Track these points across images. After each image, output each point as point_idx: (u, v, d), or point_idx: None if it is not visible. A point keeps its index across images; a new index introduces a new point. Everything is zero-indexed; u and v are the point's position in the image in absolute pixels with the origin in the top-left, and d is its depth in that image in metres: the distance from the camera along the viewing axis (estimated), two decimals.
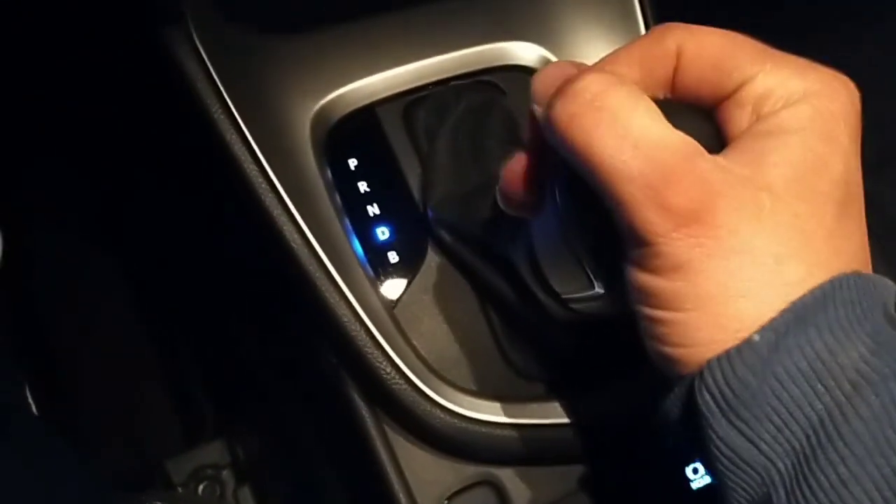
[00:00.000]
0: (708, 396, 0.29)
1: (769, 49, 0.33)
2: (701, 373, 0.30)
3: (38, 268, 0.67)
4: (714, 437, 0.29)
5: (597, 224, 0.32)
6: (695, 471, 0.46)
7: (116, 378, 0.71)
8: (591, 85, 0.31)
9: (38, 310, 0.67)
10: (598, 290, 0.35)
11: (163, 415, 0.71)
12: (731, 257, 0.29)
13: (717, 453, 0.29)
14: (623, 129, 0.30)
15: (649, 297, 0.31)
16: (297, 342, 0.52)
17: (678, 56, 0.33)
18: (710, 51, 0.32)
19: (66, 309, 0.69)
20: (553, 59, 0.50)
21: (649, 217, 0.29)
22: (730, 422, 0.29)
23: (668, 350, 0.31)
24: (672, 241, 0.29)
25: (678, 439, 0.33)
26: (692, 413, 0.30)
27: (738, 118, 0.32)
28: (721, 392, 0.29)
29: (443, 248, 0.46)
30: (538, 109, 0.33)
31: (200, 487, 0.64)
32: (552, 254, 0.37)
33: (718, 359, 0.29)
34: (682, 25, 0.34)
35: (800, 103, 0.31)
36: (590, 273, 0.35)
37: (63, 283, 0.70)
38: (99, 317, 0.72)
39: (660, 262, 0.30)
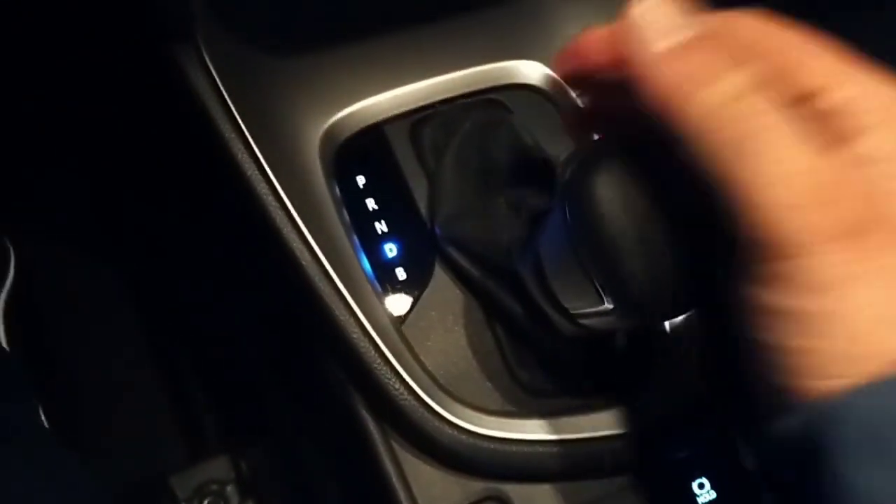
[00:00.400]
0: (845, 432, 0.26)
1: (848, 56, 0.30)
2: (835, 406, 0.27)
3: (38, 280, 0.67)
4: (847, 475, 0.26)
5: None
6: (700, 486, 0.46)
7: (119, 394, 0.71)
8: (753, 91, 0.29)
9: (40, 326, 0.67)
10: (608, 305, 0.35)
11: (166, 430, 0.71)
12: (884, 277, 0.27)
13: (849, 493, 0.26)
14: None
15: (780, 324, 0.28)
16: (303, 357, 0.52)
17: (749, 49, 0.30)
18: (785, 51, 0.30)
19: (67, 325, 0.70)
20: (558, 77, 0.51)
21: (808, 220, 0.26)
22: (871, 459, 0.26)
23: (794, 383, 0.28)
24: (825, 254, 0.26)
25: (778, 475, 0.31)
26: (808, 449, 0.27)
27: (812, 131, 0.29)
28: (864, 427, 0.26)
29: (450, 265, 0.46)
30: (650, 48, 0.30)
31: (205, 503, 0.64)
32: (560, 269, 0.38)
33: (860, 391, 0.26)
34: (756, 16, 0.31)
35: (886, 126, 0.28)
36: (599, 288, 0.35)
37: (63, 296, 0.70)
38: (101, 333, 0.72)
39: (801, 279, 0.27)
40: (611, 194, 0.33)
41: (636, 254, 0.33)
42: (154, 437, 0.70)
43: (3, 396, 0.43)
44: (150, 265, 0.71)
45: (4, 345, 0.50)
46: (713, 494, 0.47)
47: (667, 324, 0.46)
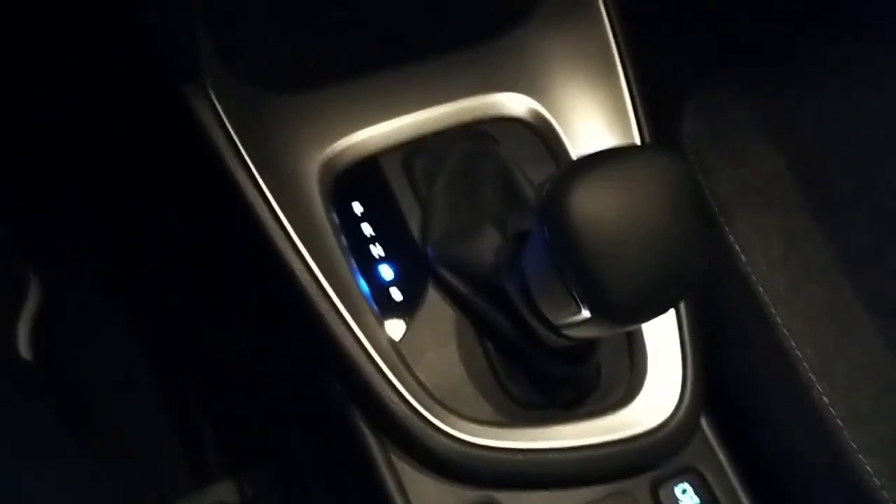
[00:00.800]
0: None
1: None
2: None
3: (50, 303, 0.69)
4: None
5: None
6: (683, 491, 0.49)
7: (124, 417, 0.73)
8: None
9: (51, 348, 0.69)
10: (586, 314, 0.38)
11: (171, 455, 0.73)
12: None
13: None
14: None
15: None
16: (303, 376, 0.55)
17: None
18: None
19: (73, 350, 0.71)
20: (541, 109, 0.54)
21: None
22: None
23: None
24: None
25: None
26: None
27: None
28: None
29: (442, 285, 0.49)
30: None
31: None
32: (543, 284, 0.41)
33: None
34: None
35: None
36: (577, 299, 0.38)
37: (69, 319, 0.72)
38: (106, 359, 0.74)
39: None
40: (583, 209, 0.36)
41: (611, 263, 0.36)
42: (158, 459, 0.72)
43: (25, 402, 0.46)
44: (156, 295, 0.73)
45: (28, 357, 0.52)
46: (696, 500, 0.49)
47: (643, 328, 0.49)
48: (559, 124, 0.54)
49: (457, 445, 0.46)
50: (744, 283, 0.53)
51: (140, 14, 0.48)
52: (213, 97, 0.48)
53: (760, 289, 0.52)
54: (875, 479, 0.48)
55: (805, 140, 0.58)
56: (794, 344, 0.50)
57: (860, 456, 0.48)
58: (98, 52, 0.57)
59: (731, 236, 0.54)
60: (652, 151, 0.38)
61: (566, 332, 0.41)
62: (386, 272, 0.50)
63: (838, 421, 0.48)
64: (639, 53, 0.56)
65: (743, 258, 0.54)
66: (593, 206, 0.36)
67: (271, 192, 0.48)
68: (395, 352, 0.48)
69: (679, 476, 0.49)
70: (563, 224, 0.36)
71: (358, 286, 0.48)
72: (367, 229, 0.50)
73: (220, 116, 0.48)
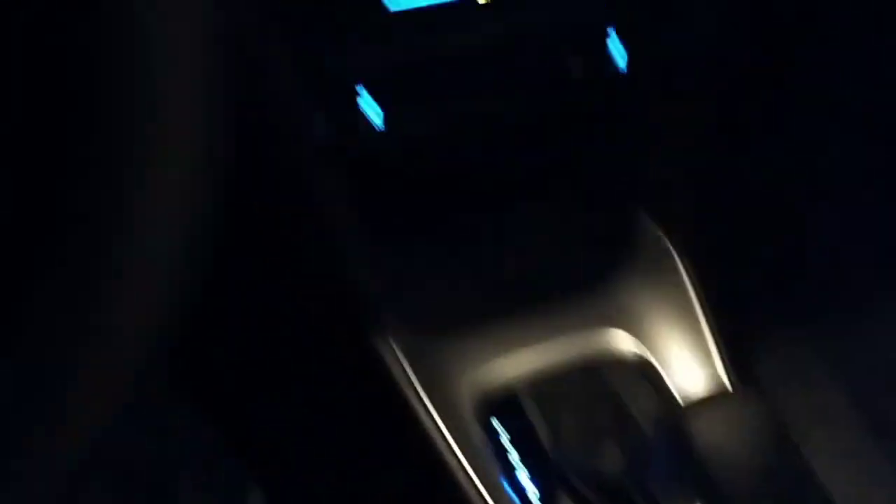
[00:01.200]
0: None
1: None
2: None
3: None
4: None
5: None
6: None
7: None
8: None
9: None
10: None
11: None
12: None
13: None
14: None
15: None
16: None
17: None
18: None
19: None
20: (641, 349, 0.68)
21: None
22: None
23: None
24: None
25: None
26: None
27: None
28: None
29: (571, 490, 0.61)
30: None
31: None
32: (668, 491, 0.53)
33: None
34: None
35: None
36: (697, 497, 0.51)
37: None
38: None
39: None
40: (701, 439, 0.50)
41: (719, 474, 0.49)
42: None
43: None
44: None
45: None
46: None
47: None
48: (657, 361, 0.67)
49: None
50: (821, 495, 0.63)
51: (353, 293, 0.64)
52: (391, 341, 0.64)
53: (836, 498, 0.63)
54: None
55: (861, 369, 0.71)
56: None
57: None
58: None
59: (807, 457, 0.65)
60: (741, 398, 0.52)
61: None
62: (524, 479, 0.62)
63: None
64: (717, 299, 0.70)
65: (818, 474, 0.65)
66: (707, 437, 0.50)
67: (436, 412, 0.62)
68: None
69: None
70: (689, 450, 0.50)
71: (504, 488, 0.61)
72: (507, 443, 0.63)
73: (396, 355, 0.63)
